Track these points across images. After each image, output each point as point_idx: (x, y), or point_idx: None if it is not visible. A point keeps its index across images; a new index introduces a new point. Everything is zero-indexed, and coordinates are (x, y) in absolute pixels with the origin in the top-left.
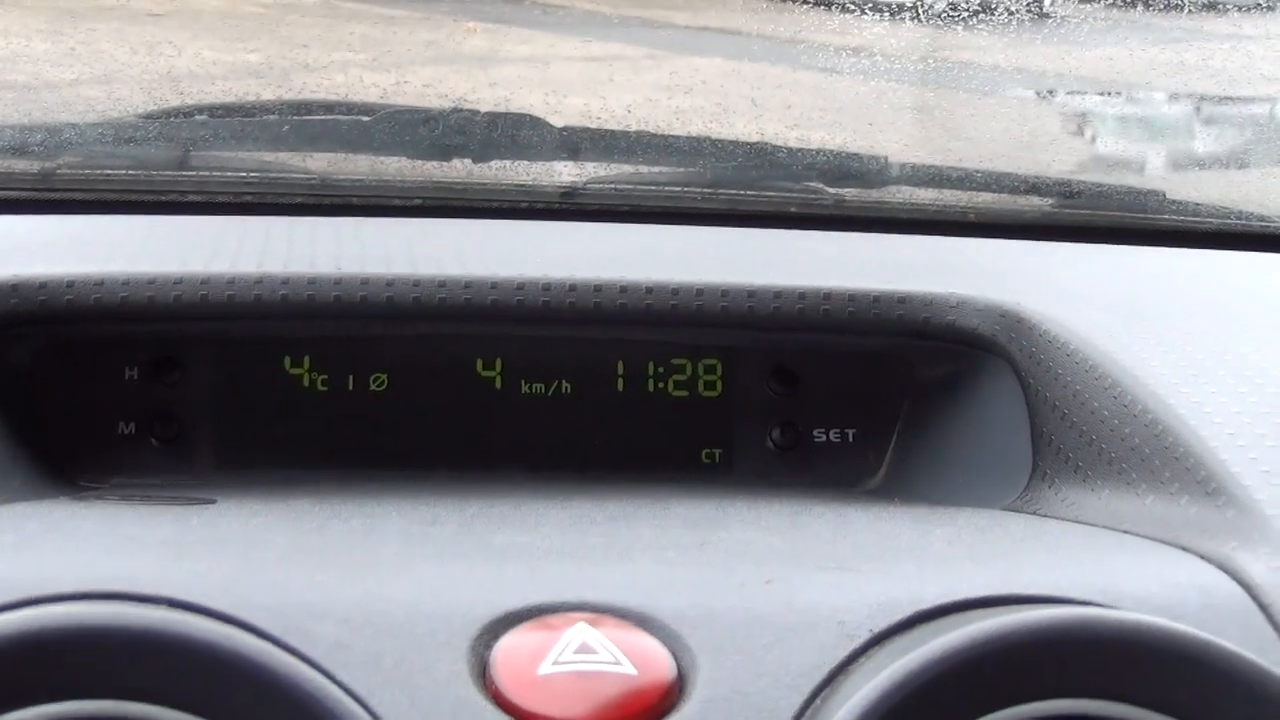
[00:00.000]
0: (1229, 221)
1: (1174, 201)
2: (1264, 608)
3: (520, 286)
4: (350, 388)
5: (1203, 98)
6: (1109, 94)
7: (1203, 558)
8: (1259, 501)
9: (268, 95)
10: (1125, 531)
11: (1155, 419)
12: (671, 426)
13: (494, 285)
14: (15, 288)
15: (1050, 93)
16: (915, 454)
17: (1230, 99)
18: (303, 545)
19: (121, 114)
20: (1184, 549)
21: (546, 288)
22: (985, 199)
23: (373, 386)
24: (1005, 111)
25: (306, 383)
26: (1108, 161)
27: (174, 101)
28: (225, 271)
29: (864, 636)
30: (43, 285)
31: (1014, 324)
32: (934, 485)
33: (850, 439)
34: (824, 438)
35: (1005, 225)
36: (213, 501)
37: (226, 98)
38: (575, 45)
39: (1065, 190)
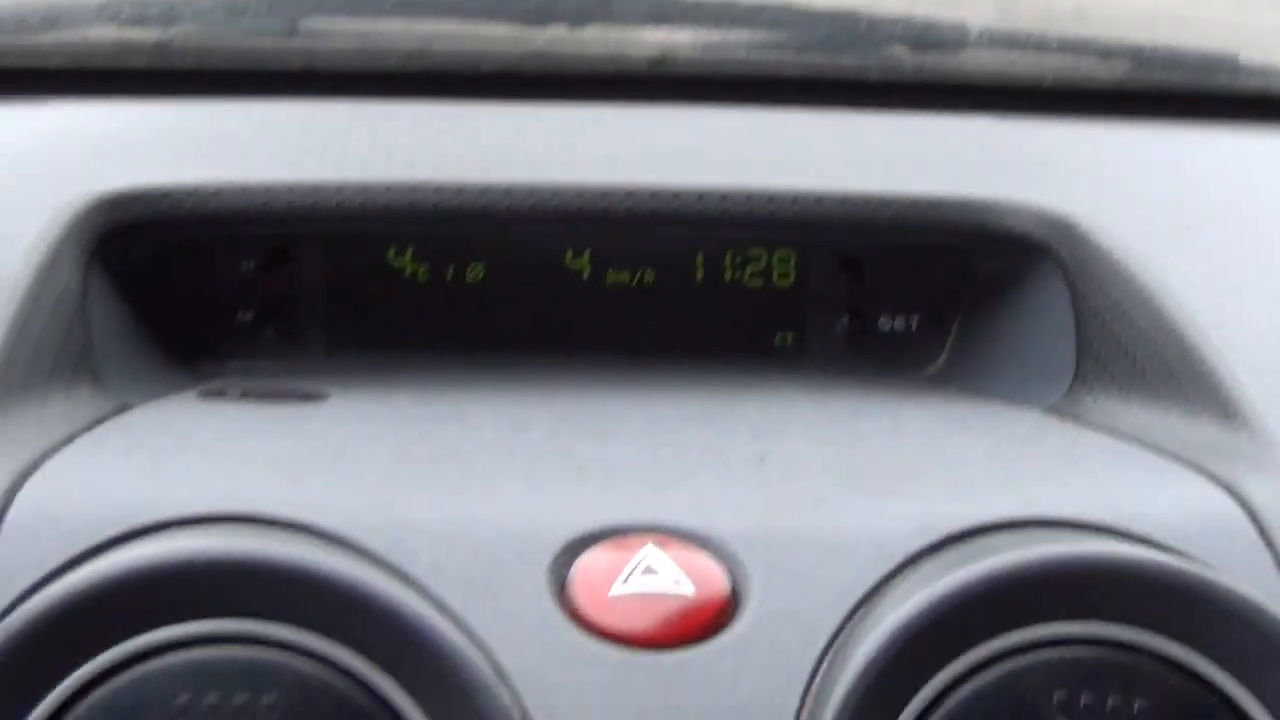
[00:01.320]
0: None
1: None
2: (1264, 532)
3: (604, 194)
4: (449, 278)
5: None
6: None
7: (1214, 480)
8: (1273, 428)
9: None
10: (1149, 448)
11: (1185, 338)
12: (747, 313)
13: (579, 193)
14: (139, 196)
15: None
16: (973, 345)
17: None
18: (405, 457)
19: None
20: (1199, 470)
21: (629, 194)
22: (1061, 62)
23: (469, 276)
24: None
25: (409, 273)
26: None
27: None
28: (333, 180)
29: (899, 559)
30: (165, 194)
31: (1065, 231)
32: (988, 377)
33: (914, 327)
34: (889, 325)
35: (1081, 94)
36: (325, 397)
37: None
38: None
39: (1140, 55)
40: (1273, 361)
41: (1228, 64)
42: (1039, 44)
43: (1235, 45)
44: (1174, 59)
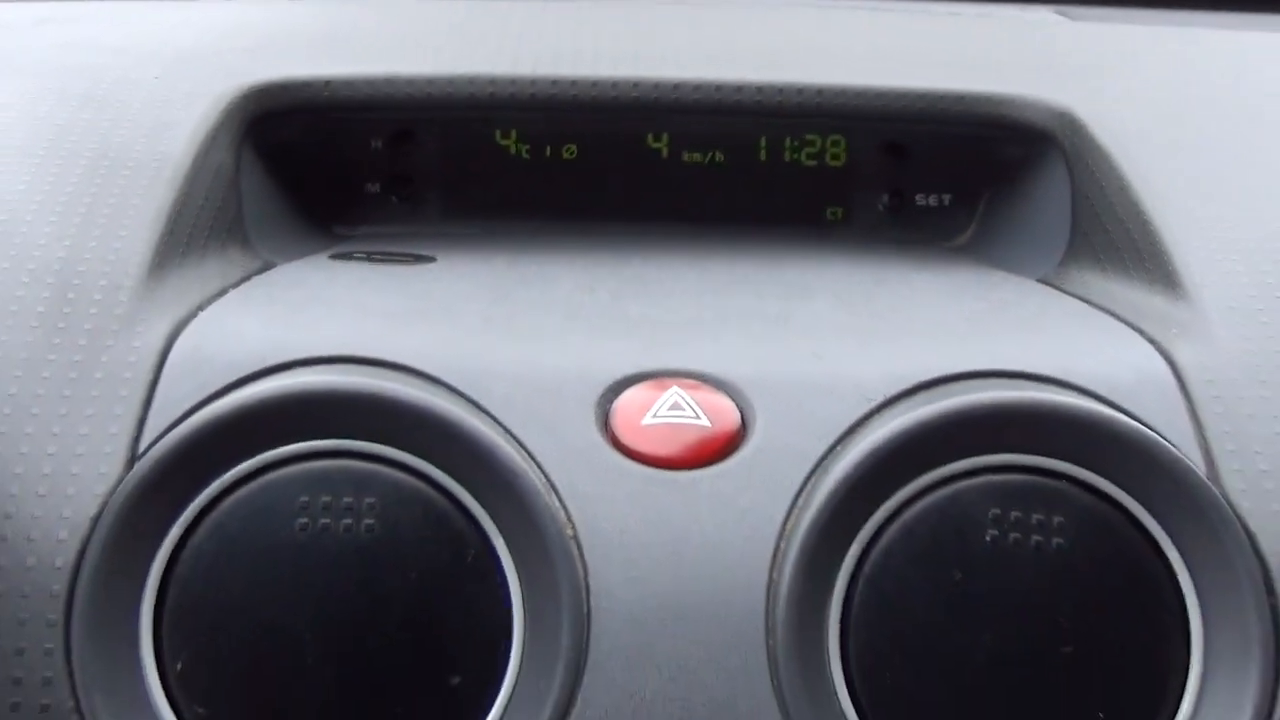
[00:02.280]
0: None
1: None
2: (1184, 386)
3: (678, 86)
4: (547, 155)
5: None
6: None
7: (1152, 342)
8: (1210, 306)
9: None
10: (1108, 314)
11: (1151, 223)
12: (802, 190)
13: (657, 85)
14: (284, 86)
15: None
16: (995, 220)
17: None
18: (489, 312)
19: None
20: (1142, 334)
21: (698, 87)
22: None
23: (564, 155)
24: None
25: (513, 151)
26: None
27: None
28: (447, 73)
29: (878, 400)
30: (306, 84)
31: (1069, 123)
32: (1002, 248)
33: (946, 204)
34: (925, 202)
35: None
36: (434, 259)
37: None
38: None
39: None
40: (1219, 247)
41: None
42: None
43: None
44: None
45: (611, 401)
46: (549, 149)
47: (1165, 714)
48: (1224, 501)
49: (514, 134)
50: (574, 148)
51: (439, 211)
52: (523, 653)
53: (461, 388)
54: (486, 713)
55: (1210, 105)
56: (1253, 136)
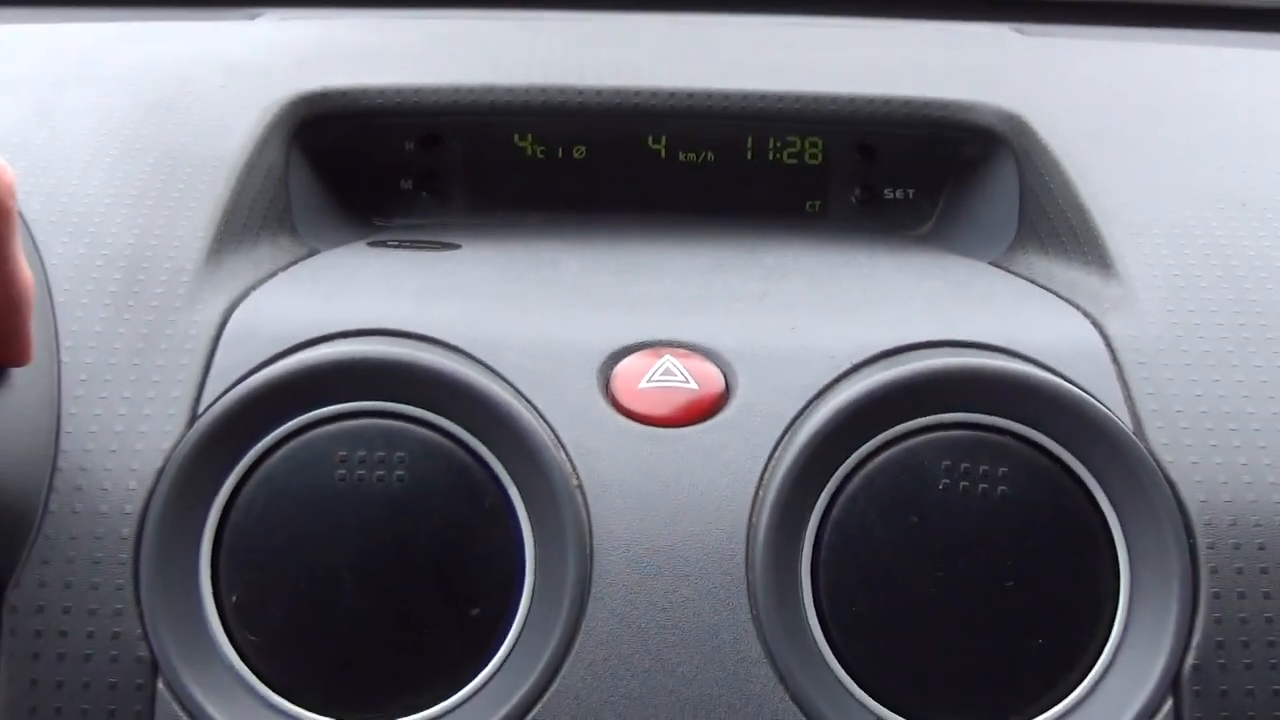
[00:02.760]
0: None
1: None
2: (1114, 355)
3: (674, 94)
4: (560, 155)
5: None
6: None
7: (1088, 317)
8: (1138, 283)
9: None
10: (1049, 292)
11: (1088, 212)
12: (785, 185)
13: (655, 93)
14: (328, 94)
15: None
16: (954, 211)
17: None
18: (505, 290)
19: None
20: (1079, 309)
21: (691, 94)
22: None
23: (575, 155)
24: None
25: (530, 153)
26: None
27: None
28: (470, 82)
29: (845, 366)
30: (347, 93)
31: (1018, 125)
32: (959, 236)
33: (911, 196)
34: (892, 195)
35: (1087, 2)
36: (459, 246)
37: None
38: None
39: None
40: (1147, 233)
41: None
42: None
43: None
44: None
45: (612, 368)
46: (561, 150)
47: (1097, 640)
48: (1148, 454)
49: (530, 137)
50: (583, 148)
51: (465, 205)
52: (533, 588)
53: (480, 355)
54: (502, 640)
55: (1144, 109)
56: (1181, 136)
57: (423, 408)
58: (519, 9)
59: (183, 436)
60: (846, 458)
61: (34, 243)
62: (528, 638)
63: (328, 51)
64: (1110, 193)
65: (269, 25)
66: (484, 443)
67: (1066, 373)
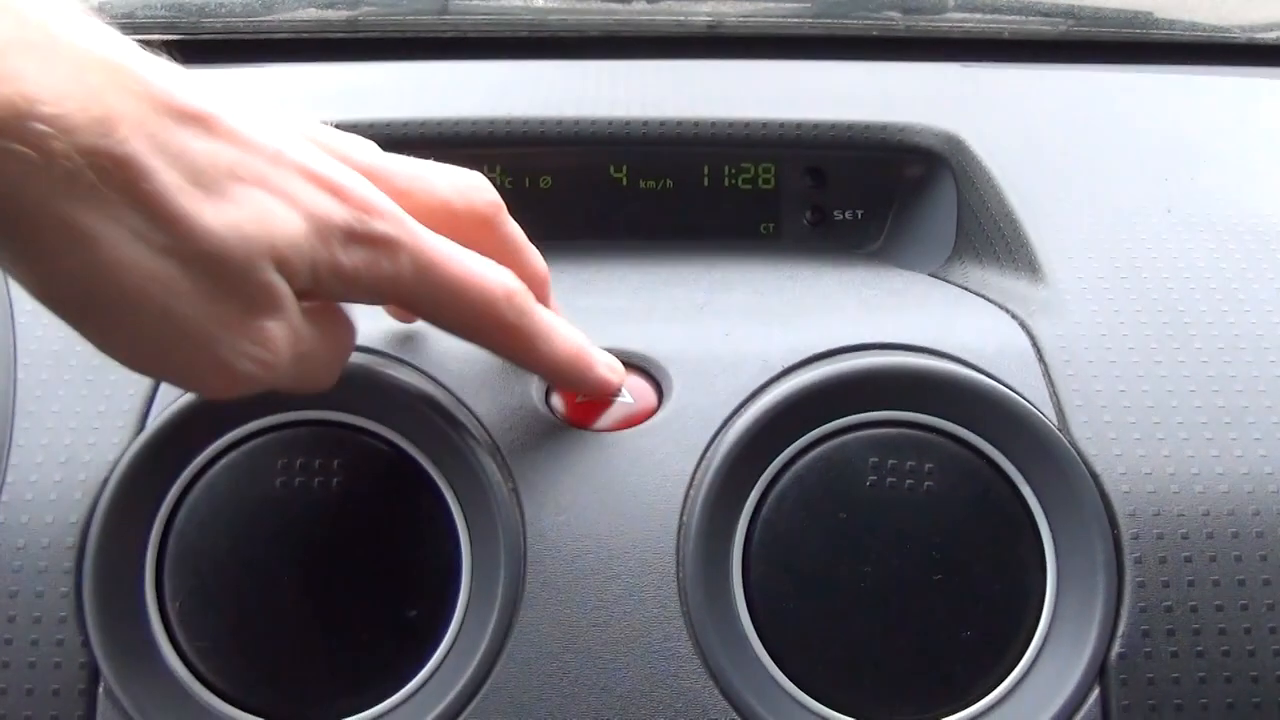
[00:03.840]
0: (1209, 34)
1: (1165, 20)
2: (1040, 354)
3: (629, 123)
4: (526, 185)
5: None
6: None
7: (1016, 319)
8: (1063, 287)
9: None
10: (980, 297)
11: (1019, 224)
12: (740, 209)
13: (611, 123)
14: (354, 125)
15: None
16: (900, 229)
17: None
18: None
19: None
20: (1009, 312)
21: (646, 123)
22: (1014, 19)
23: (541, 184)
24: None
25: (498, 183)
26: None
27: None
28: (439, 115)
29: (776, 370)
30: (354, 125)
31: (957, 145)
32: (904, 252)
33: (859, 217)
34: (842, 216)
35: (1028, 44)
36: None
37: None
38: None
39: (1074, 13)
40: (1073, 240)
41: (1144, 17)
42: (995, 7)
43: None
44: (1099, 15)
45: None
46: (527, 179)
47: (1024, 631)
48: (1072, 449)
49: (498, 169)
50: (549, 178)
51: None
52: (469, 588)
53: (418, 363)
54: (439, 640)
55: (1074, 129)
56: (1109, 154)
57: (360, 415)
58: (487, 59)
59: (129, 446)
60: (775, 456)
61: None
62: (464, 638)
63: (328, 91)
64: (1040, 204)
65: (278, 71)
66: (419, 448)
67: (992, 371)
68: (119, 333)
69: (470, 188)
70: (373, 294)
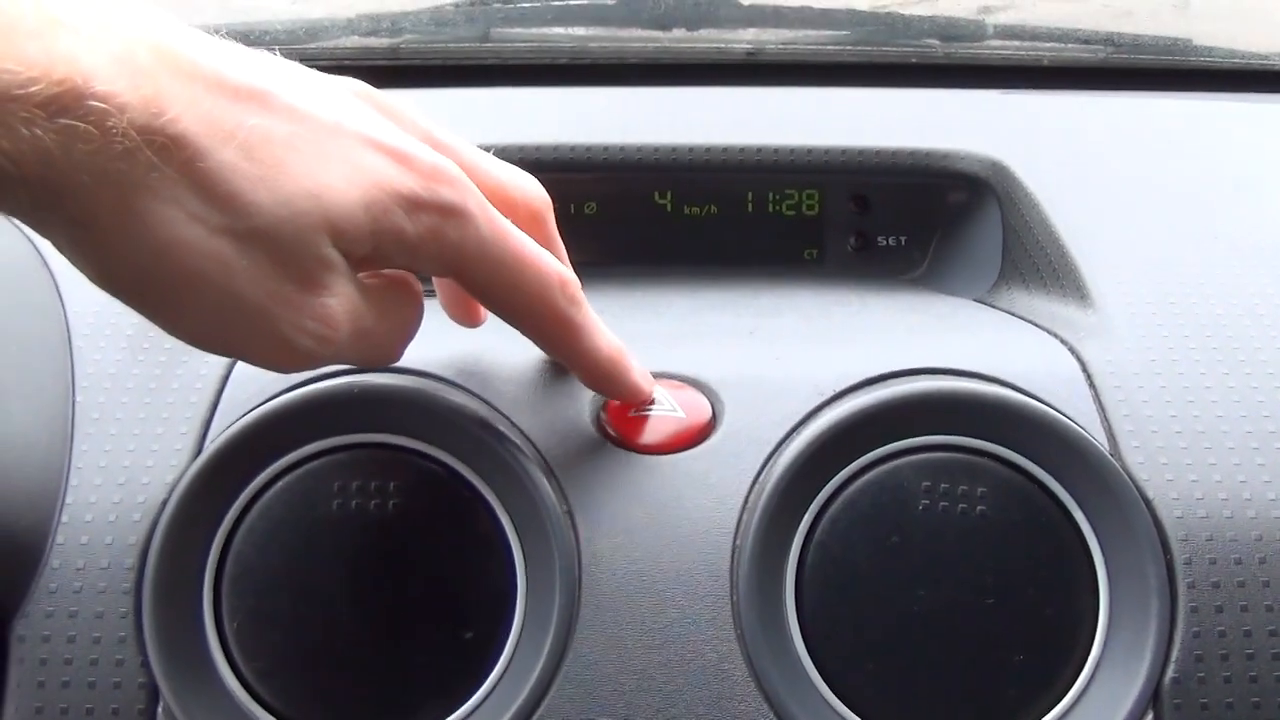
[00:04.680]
0: (1249, 62)
1: (1204, 47)
2: (1090, 379)
3: (676, 150)
4: (571, 211)
5: None
6: None
7: (1065, 344)
8: (1113, 312)
9: None
10: (1029, 323)
11: (1066, 249)
12: (784, 235)
13: (657, 149)
14: None
15: None
16: (944, 255)
17: None
18: (504, 331)
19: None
20: (1058, 337)
21: (692, 150)
22: (1053, 46)
23: (587, 210)
24: None
25: None
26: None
27: None
28: (485, 142)
29: (828, 394)
30: None
31: (1001, 171)
32: (949, 277)
33: (903, 243)
34: (885, 242)
35: (1067, 70)
36: None
37: None
38: None
39: (1113, 40)
40: (1121, 265)
41: (1183, 44)
42: (1034, 34)
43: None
44: (1139, 42)
45: (605, 399)
46: (572, 206)
47: (1077, 655)
48: (1124, 473)
49: None
50: (594, 204)
51: None
52: (524, 611)
53: (472, 387)
54: (494, 662)
55: (1119, 154)
56: (1156, 178)
57: (417, 439)
58: (528, 86)
59: (187, 468)
60: (829, 480)
61: (57, 290)
62: (519, 659)
63: None
64: (1087, 229)
65: None
66: (475, 471)
67: (1043, 396)
68: (176, 312)
69: (527, 180)
70: (436, 263)
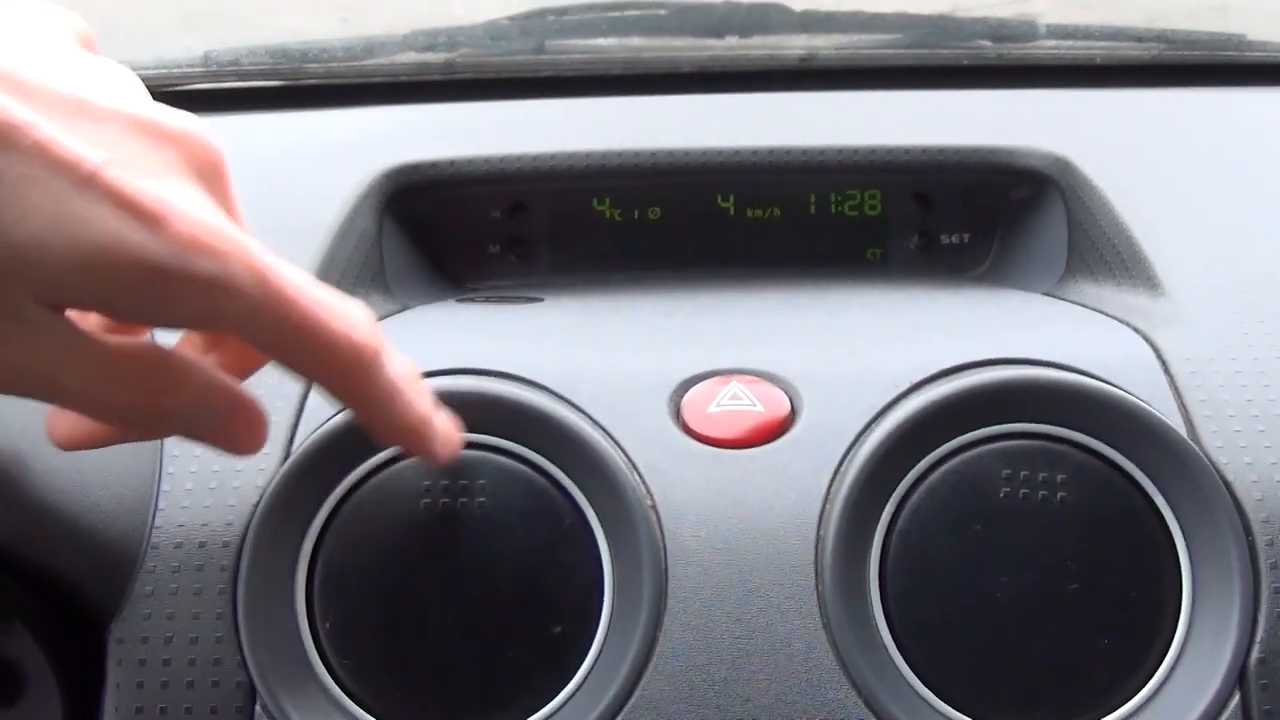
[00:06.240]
0: None
1: (1258, 41)
2: (1165, 366)
3: (739, 153)
4: (636, 217)
5: None
6: None
7: (1138, 332)
8: (1185, 300)
9: None
10: (1099, 313)
11: (1135, 241)
12: (847, 235)
13: (720, 153)
14: (419, 167)
15: None
16: (1008, 251)
17: None
18: (583, 334)
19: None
20: (1130, 326)
21: (755, 152)
22: (1106, 45)
23: (650, 216)
24: None
25: (608, 215)
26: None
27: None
28: (550, 150)
29: (904, 386)
30: (436, 165)
31: (1065, 167)
32: (1014, 273)
33: (966, 241)
34: (948, 240)
35: (1121, 68)
36: (541, 299)
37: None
38: None
39: (1166, 37)
40: (1190, 252)
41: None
42: (1086, 33)
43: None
44: (1192, 38)
45: (682, 395)
46: (637, 211)
47: (1161, 640)
48: (1204, 457)
49: (608, 201)
50: (658, 209)
51: (548, 266)
52: (612, 604)
53: (556, 388)
54: (584, 656)
55: (1182, 145)
56: (1212, 170)
57: (502, 437)
58: (583, 97)
59: (277, 471)
60: (909, 470)
61: None
62: (608, 653)
63: (418, 131)
64: (1154, 220)
65: (369, 113)
66: (561, 468)
67: (1119, 382)
68: None
69: (185, 119)
70: (191, 327)
